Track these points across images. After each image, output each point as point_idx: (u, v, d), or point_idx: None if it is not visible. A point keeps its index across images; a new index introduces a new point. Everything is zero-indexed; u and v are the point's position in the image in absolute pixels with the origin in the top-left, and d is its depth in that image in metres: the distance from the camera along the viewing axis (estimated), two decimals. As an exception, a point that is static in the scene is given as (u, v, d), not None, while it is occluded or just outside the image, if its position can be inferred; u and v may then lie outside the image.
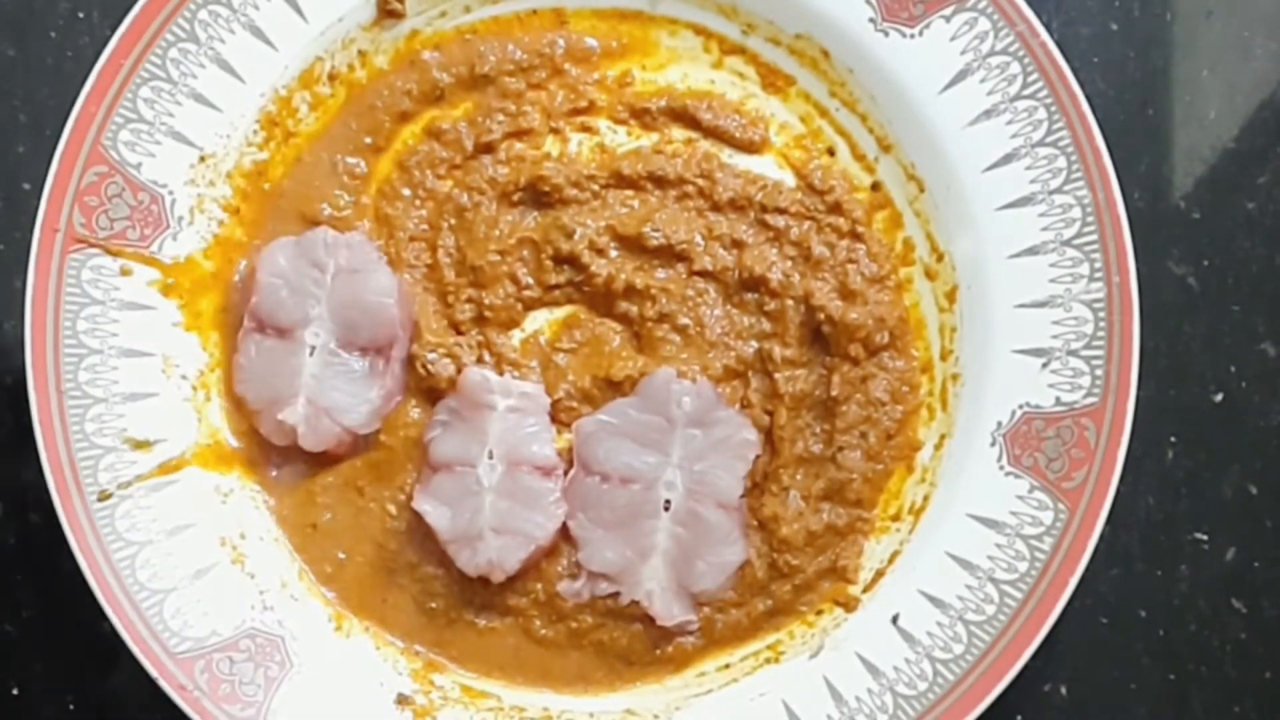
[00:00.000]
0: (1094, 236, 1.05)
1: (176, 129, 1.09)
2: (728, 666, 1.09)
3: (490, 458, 1.08)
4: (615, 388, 1.11)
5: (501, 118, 1.15)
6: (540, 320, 1.14)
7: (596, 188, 1.14)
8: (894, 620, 1.05)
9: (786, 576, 1.09)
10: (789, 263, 1.12)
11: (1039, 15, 1.07)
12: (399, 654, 1.09)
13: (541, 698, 1.09)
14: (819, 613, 1.09)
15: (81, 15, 1.19)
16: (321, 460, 1.11)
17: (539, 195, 1.14)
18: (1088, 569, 1.01)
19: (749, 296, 1.12)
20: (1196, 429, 1.15)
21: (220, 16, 1.09)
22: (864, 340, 1.10)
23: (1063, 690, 1.13)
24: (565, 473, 1.09)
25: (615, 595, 1.09)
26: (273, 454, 1.11)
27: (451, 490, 1.08)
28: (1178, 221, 1.18)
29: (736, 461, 1.08)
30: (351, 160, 1.15)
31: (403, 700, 1.06)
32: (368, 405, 1.09)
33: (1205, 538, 1.14)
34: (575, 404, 1.12)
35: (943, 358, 1.11)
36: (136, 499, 1.05)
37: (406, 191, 1.15)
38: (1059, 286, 1.05)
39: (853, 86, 1.14)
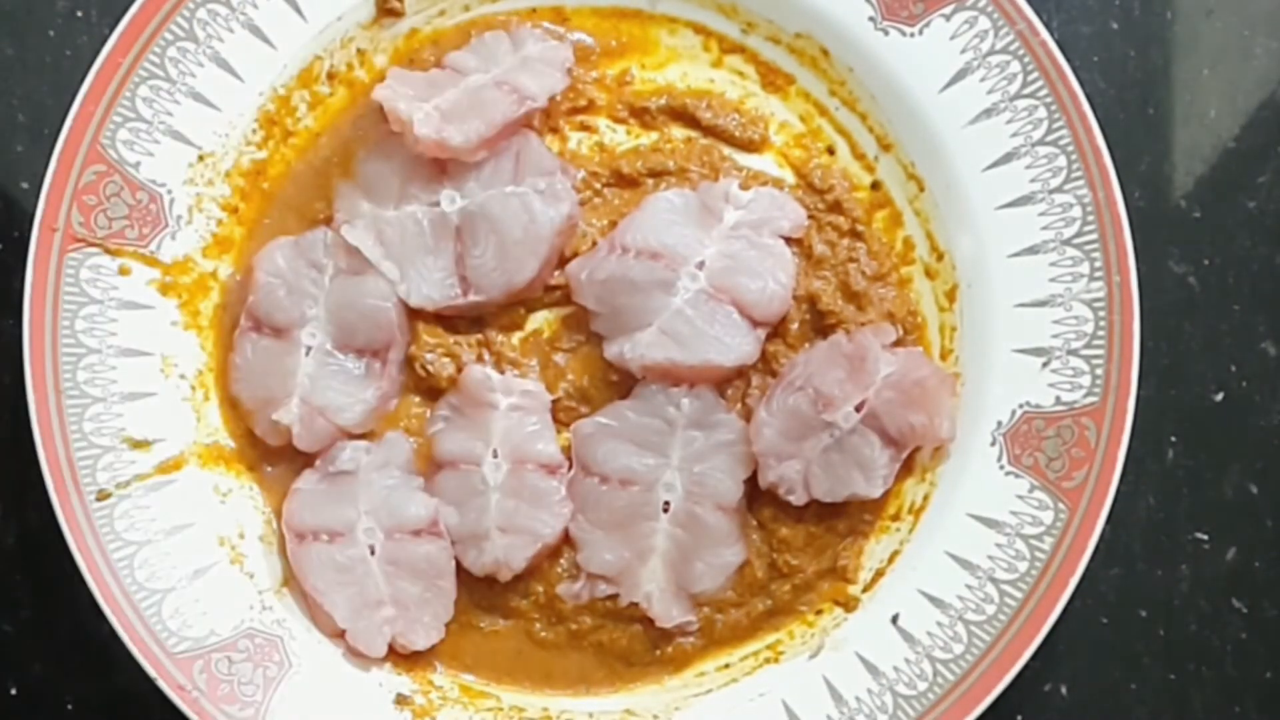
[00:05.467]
0: (1094, 236, 1.05)
1: (175, 128, 1.09)
2: (727, 666, 1.09)
3: (495, 456, 1.08)
4: (614, 388, 1.11)
5: (501, 116, 1.15)
6: (540, 319, 1.13)
7: (598, 186, 1.14)
8: (894, 620, 1.05)
9: (786, 576, 1.09)
10: (789, 262, 1.12)
11: (1039, 14, 1.07)
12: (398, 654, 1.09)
13: (541, 698, 1.09)
14: (819, 613, 1.09)
15: (80, 14, 1.19)
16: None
17: (538, 194, 1.14)
18: (1088, 569, 1.01)
19: (749, 295, 1.12)
20: (1197, 428, 1.15)
21: (219, 15, 1.09)
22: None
23: (1063, 690, 1.13)
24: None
25: (615, 596, 1.09)
26: (271, 453, 1.11)
27: (457, 489, 1.08)
28: (1178, 221, 1.18)
29: (737, 464, 1.07)
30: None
31: (402, 700, 1.06)
32: (363, 405, 1.09)
33: (1206, 537, 1.14)
34: (574, 404, 1.11)
35: (942, 357, 1.11)
36: (135, 499, 1.05)
37: (406, 190, 1.14)
38: (1059, 286, 1.05)
39: (852, 85, 1.13)
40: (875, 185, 1.14)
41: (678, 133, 1.15)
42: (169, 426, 1.08)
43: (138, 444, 1.06)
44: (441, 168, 1.10)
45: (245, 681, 1.03)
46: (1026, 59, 1.07)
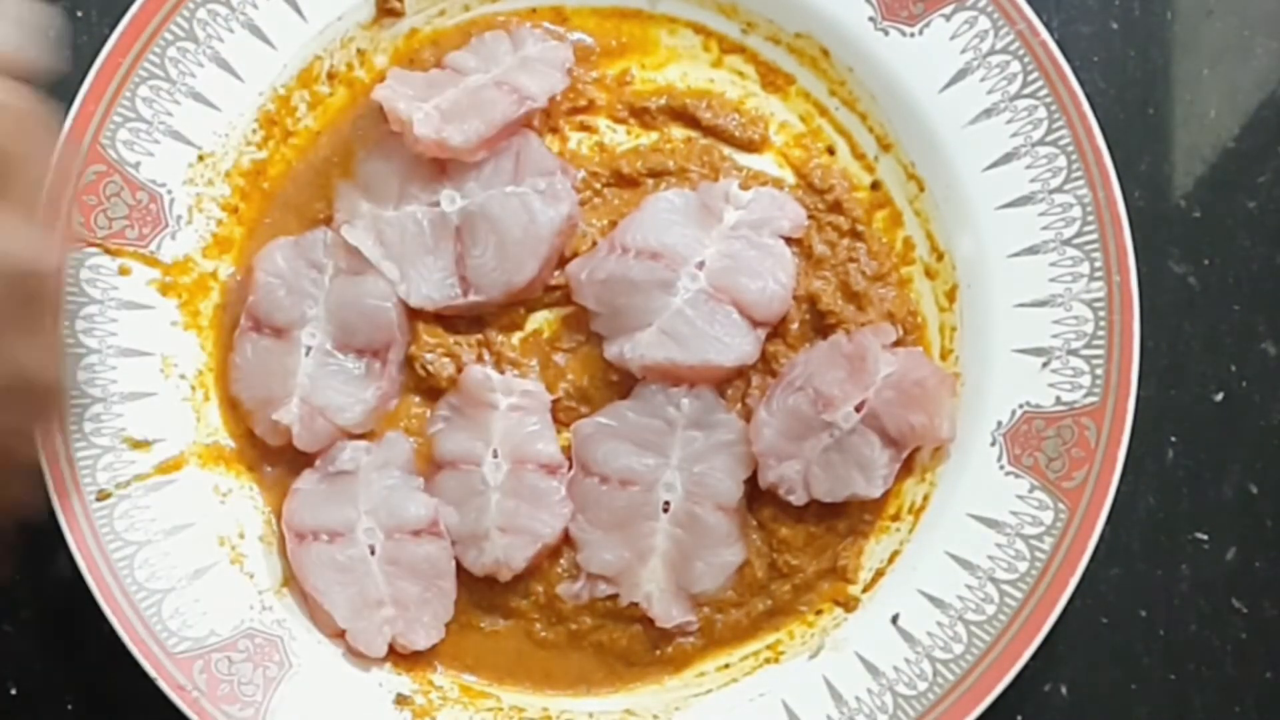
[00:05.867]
0: (1094, 235, 1.05)
1: (175, 128, 1.09)
2: (727, 666, 1.09)
3: (495, 456, 1.08)
4: (614, 388, 1.11)
5: (501, 116, 1.15)
6: (540, 319, 1.13)
7: (598, 186, 1.14)
8: (894, 620, 1.05)
9: (786, 576, 1.09)
10: (789, 262, 1.12)
11: (1039, 14, 1.07)
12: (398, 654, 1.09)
13: (541, 698, 1.09)
14: (819, 613, 1.09)
15: (80, 14, 1.19)
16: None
17: (539, 194, 1.14)
18: (1088, 569, 1.01)
19: (749, 295, 1.12)
20: (1197, 428, 1.15)
21: (219, 15, 1.09)
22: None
23: (1063, 690, 1.13)
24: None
25: (615, 596, 1.09)
26: (271, 453, 1.11)
27: (457, 489, 1.08)
28: (1178, 220, 1.18)
29: (737, 464, 1.07)
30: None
31: (402, 700, 1.06)
32: (362, 405, 1.09)
33: (1206, 537, 1.14)
34: (574, 404, 1.11)
35: (942, 357, 1.11)
36: (135, 499, 1.05)
37: (406, 190, 1.14)
38: (1059, 285, 1.05)
39: (852, 85, 1.13)
40: (875, 185, 1.14)
41: (678, 133, 1.15)
42: (169, 427, 1.08)
43: (138, 444, 1.06)
44: (441, 168, 1.10)
45: (245, 681, 1.03)
46: (1026, 59, 1.07)
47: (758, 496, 1.09)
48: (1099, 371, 1.03)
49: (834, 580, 1.10)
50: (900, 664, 1.03)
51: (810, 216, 1.12)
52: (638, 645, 1.09)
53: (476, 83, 1.11)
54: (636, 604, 1.08)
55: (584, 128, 1.16)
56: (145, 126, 1.08)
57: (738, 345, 1.07)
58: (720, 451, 1.08)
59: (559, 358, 1.12)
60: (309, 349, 1.09)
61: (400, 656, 1.08)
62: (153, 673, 1.01)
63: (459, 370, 1.10)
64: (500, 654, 1.10)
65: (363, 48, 1.15)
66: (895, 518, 1.09)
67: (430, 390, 1.11)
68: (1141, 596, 1.13)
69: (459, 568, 1.08)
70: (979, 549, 1.04)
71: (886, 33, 1.10)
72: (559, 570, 1.10)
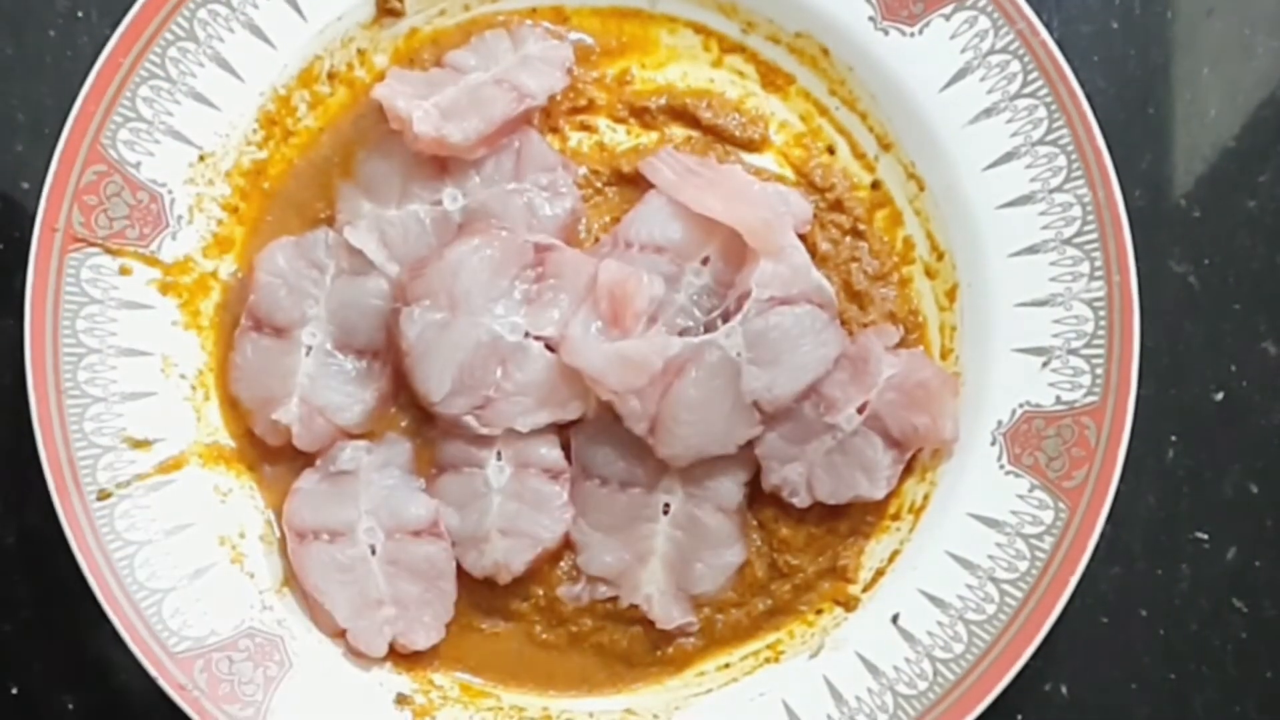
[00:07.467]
0: (1094, 235, 1.05)
1: (175, 128, 1.09)
2: (727, 666, 1.09)
3: (499, 459, 1.08)
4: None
5: (501, 116, 1.15)
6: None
7: (599, 184, 1.14)
8: (894, 620, 1.05)
9: (786, 576, 1.09)
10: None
11: (1039, 13, 1.07)
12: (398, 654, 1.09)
13: (542, 699, 1.09)
14: (819, 612, 1.09)
15: (81, 14, 1.19)
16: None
17: (539, 194, 1.14)
18: (1088, 568, 1.01)
19: (749, 295, 1.12)
20: (1197, 428, 1.15)
21: (219, 15, 1.09)
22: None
23: (1063, 690, 1.13)
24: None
25: (615, 598, 1.09)
26: (271, 453, 1.11)
27: (459, 491, 1.08)
28: (1178, 220, 1.18)
29: (738, 467, 1.07)
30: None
31: (402, 700, 1.06)
32: (362, 405, 1.09)
33: (1206, 537, 1.14)
34: (575, 403, 1.11)
35: (943, 356, 1.11)
36: (135, 498, 1.05)
37: (406, 190, 1.15)
38: (1059, 285, 1.05)
39: (852, 85, 1.13)
40: (875, 185, 1.14)
41: (678, 132, 1.15)
42: (169, 426, 1.08)
43: (138, 444, 1.06)
44: (443, 166, 1.10)
45: (246, 681, 1.03)
46: (1026, 58, 1.07)
47: (759, 497, 1.09)
48: (1099, 371, 1.03)
49: (834, 580, 1.10)
50: (900, 663, 1.03)
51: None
52: (638, 646, 1.09)
53: (476, 81, 1.11)
54: (637, 605, 1.08)
55: (584, 127, 1.16)
56: (146, 126, 1.08)
57: None
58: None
59: (560, 357, 1.12)
60: (309, 349, 1.09)
61: (400, 656, 1.08)
62: (153, 672, 1.01)
63: (459, 370, 1.10)
64: (501, 655, 1.10)
65: (363, 47, 1.15)
66: (895, 517, 1.09)
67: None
68: (1142, 596, 1.13)
69: (459, 570, 1.08)
70: (979, 548, 1.04)
71: (886, 32, 1.10)
72: (559, 573, 1.09)
